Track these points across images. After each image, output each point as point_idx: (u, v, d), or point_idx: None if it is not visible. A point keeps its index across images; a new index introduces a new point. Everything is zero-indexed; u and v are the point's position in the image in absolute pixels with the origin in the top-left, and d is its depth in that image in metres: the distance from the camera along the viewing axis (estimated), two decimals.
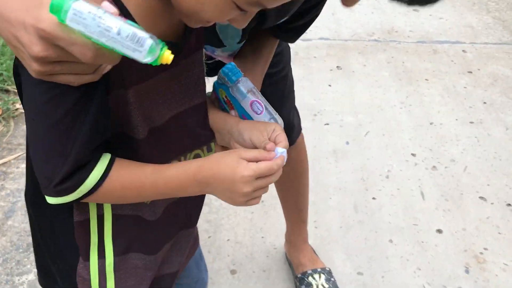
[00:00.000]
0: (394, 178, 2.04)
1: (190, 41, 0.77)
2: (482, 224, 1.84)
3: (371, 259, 1.71)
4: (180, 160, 0.82)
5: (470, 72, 2.74)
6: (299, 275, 1.58)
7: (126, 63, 0.60)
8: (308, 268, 1.59)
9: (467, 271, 1.67)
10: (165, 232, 0.87)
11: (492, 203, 1.92)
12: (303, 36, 1.16)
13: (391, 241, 1.78)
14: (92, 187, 0.69)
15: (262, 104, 0.87)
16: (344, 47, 2.93)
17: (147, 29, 0.56)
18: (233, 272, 1.66)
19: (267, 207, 1.89)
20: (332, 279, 1.58)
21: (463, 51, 2.94)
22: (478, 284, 1.63)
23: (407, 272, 1.67)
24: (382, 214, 1.88)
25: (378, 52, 2.90)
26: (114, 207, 0.79)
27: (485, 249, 1.75)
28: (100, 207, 0.78)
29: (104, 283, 0.83)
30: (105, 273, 0.83)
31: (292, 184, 1.52)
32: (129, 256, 0.84)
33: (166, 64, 0.59)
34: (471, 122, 2.36)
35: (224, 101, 0.92)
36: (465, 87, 2.61)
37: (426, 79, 2.67)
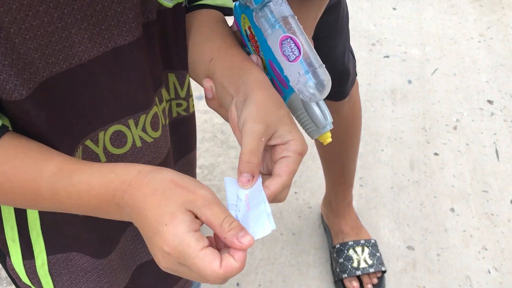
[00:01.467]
0: (463, 130, 1.67)
1: None
2: None
3: (426, 231, 1.40)
4: (91, 141, 0.53)
5: None
6: (337, 246, 1.31)
7: None
8: (350, 238, 1.30)
9: None
10: (116, 225, 0.60)
11: None
12: None
13: (452, 210, 1.45)
14: None
15: (300, 45, 0.53)
16: None
17: None
18: None
19: (304, 156, 1.58)
20: (377, 254, 1.29)
21: None
22: None
23: (470, 251, 1.36)
24: (444, 175, 1.54)
25: None
26: None
27: None
28: None
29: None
30: (38, 278, 0.59)
31: (341, 145, 1.20)
32: (72, 256, 0.58)
33: None
34: None
35: (247, 36, 0.59)
36: None
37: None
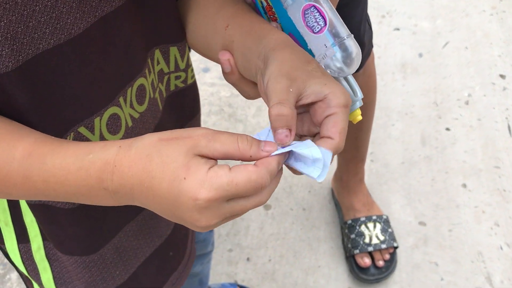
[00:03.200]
0: (475, 105, 1.64)
1: None
2: None
3: (437, 207, 1.39)
4: (86, 128, 0.48)
5: None
6: (349, 221, 1.29)
7: None
8: (362, 214, 1.28)
9: None
10: (113, 220, 0.56)
11: None
12: None
13: (464, 185, 1.44)
14: None
15: (325, 14, 0.48)
16: None
17: None
18: (266, 207, 1.38)
19: None
20: (389, 230, 1.27)
21: None
22: None
23: (482, 227, 1.35)
24: (456, 150, 1.52)
25: None
26: None
27: None
28: None
29: (36, 276, 0.55)
30: (35, 263, 0.55)
31: None
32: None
33: None
34: None
35: (264, 8, 0.55)
36: None
37: None
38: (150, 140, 0.38)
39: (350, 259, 1.26)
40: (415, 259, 1.29)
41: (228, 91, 1.67)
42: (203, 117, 1.58)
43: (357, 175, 1.30)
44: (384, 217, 1.30)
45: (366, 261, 1.23)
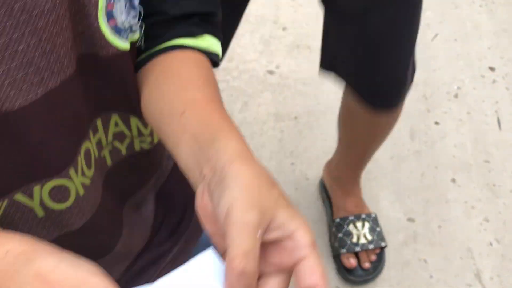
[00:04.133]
0: (464, 98, 1.62)
1: None
2: None
3: (427, 203, 1.37)
4: (24, 194, 0.44)
5: None
6: (337, 220, 1.27)
7: None
8: (350, 213, 1.26)
9: None
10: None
11: None
12: None
13: (454, 180, 1.42)
14: None
15: None
16: None
17: None
18: None
19: (301, 125, 1.53)
20: (378, 229, 1.25)
21: None
22: None
23: (471, 223, 1.33)
24: (445, 145, 1.49)
25: None
26: None
27: None
28: None
29: None
30: None
31: (374, 139, 1.17)
32: None
33: None
34: None
35: None
36: None
37: None
38: (28, 271, 0.31)
39: (337, 258, 1.23)
40: (404, 256, 1.27)
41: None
42: None
43: (356, 179, 1.27)
44: (373, 215, 1.27)
45: (352, 262, 1.21)
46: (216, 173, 0.35)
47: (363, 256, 1.22)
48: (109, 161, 0.52)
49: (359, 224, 1.24)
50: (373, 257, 1.22)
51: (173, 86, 0.46)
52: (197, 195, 0.37)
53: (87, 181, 0.48)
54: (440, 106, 1.60)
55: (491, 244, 1.29)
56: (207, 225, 0.36)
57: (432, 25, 1.85)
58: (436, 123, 1.55)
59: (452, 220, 1.34)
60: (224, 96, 1.60)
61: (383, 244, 1.24)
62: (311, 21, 1.78)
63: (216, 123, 0.41)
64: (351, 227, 1.24)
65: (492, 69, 1.71)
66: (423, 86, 1.65)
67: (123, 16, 0.44)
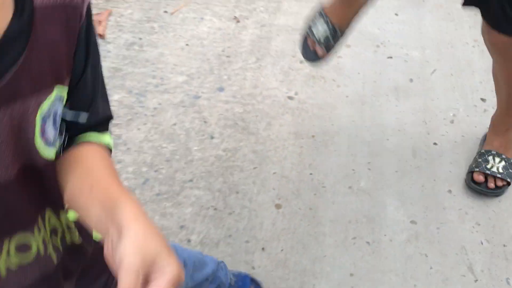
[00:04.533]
0: (459, 123, 1.86)
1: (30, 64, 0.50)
2: None
3: (426, 209, 1.59)
4: None
5: None
6: (483, 150, 1.65)
7: None
8: (495, 149, 1.64)
9: None
10: None
11: None
12: None
13: (450, 191, 1.64)
14: None
15: None
16: None
17: None
18: (277, 206, 1.57)
19: (318, 143, 1.76)
20: (510, 170, 1.61)
21: None
22: None
23: (465, 226, 1.55)
24: (442, 162, 1.73)
25: None
26: None
27: None
28: None
29: None
30: None
31: None
32: None
33: None
34: None
35: None
36: None
37: None
38: None
39: (469, 174, 1.62)
40: (407, 251, 1.48)
41: (241, 107, 1.88)
42: (219, 130, 1.79)
43: (510, 125, 1.64)
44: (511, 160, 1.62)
45: (480, 177, 1.57)
46: (117, 230, 0.48)
47: (490, 179, 1.58)
48: (54, 259, 0.62)
49: (497, 159, 1.60)
50: (500, 183, 1.58)
51: (81, 170, 0.59)
52: (105, 247, 0.49)
53: (13, 266, 0.56)
54: (438, 129, 1.84)
55: (482, 243, 1.51)
56: (113, 268, 0.46)
57: (431, 62, 2.12)
58: (435, 143, 1.79)
59: (448, 224, 1.55)
60: (251, 116, 1.85)
61: (509, 180, 1.58)
62: None
63: (116, 194, 0.54)
64: (490, 158, 1.61)
65: (483, 100, 1.97)
66: (423, 113, 1.90)
67: (52, 133, 0.55)
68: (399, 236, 1.52)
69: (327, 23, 1.52)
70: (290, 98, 1.93)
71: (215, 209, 1.55)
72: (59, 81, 0.54)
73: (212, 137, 1.77)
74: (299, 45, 1.62)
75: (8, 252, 0.55)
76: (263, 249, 1.47)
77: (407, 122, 1.86)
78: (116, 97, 1.89)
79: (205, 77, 2.00)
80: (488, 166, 1.60)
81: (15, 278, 0.57)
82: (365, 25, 2.25)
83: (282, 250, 1.47)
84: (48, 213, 0.60)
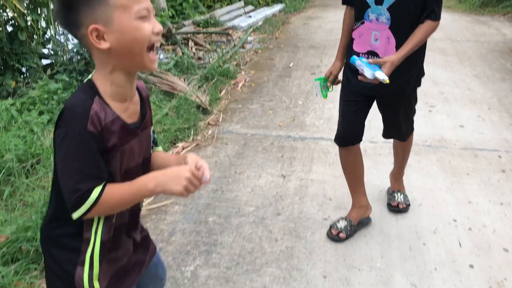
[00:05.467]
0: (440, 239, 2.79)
1: (146, 120, 1.34)
2: None
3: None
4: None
5: (504, 171, 3.52)
6: (389, 191, 2.98)
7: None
8: (396, 189, 3.07)
9: None
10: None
11: None
12: (370, 138, 2.14)
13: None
14: (94, 201, 1.18)
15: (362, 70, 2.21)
16: None
17: (119, 112, 1.27)
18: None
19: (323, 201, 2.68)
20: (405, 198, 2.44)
21: (498, 156, 3.74)
22: None
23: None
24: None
25: (430, 154, 3.76)
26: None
27: None
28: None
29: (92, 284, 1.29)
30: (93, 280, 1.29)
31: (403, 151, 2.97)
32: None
33: (134, 134, 1.29)
34: (501, 204, 3.10)
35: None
36: (498, 181, 3.38)
37: (467, 174, 3.47)
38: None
39: (389, 206, 2.98)
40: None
41: (293, 224, 2.85)
42: (280, 236, 2.73)
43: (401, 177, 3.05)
44: (405, 193, 3.03)
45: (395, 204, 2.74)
46: (184, 159, 1.34)
47: (400, 205, 2.92)
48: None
49: (399, 194, 2.93)
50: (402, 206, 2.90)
51: (161, 154, 1.47)
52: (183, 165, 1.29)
53: None
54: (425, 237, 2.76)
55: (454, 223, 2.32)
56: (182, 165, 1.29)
57: (417, 199, 3.12)
58: (424, 243, 2.69)
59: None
60: (299, 229, 2.81)
61: (408, 203, 2.83)
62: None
63: (175, 160, 1.40)
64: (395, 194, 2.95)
65: (455, 220, 2.91)
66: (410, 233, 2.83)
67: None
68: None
69: (344, 219, 2.78)
70: (325, 219, 2.91)
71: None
72: (151, 124, 1.42)
73: (276, 240, 2.71)
74: (327, 234, 2.76)
75: None
76: (324, 277, 2.30)
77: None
78: (210, 219, 2.89)
79: (267, 208, 3.02)
80: (396, 198, 2.95)
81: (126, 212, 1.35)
82: (371, 180, 3.33)
83: (323, 275, 2.30)
84: None
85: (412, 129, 2.80)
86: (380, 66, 2.22)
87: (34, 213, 2.50)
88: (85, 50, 3.94)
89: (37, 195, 2.83)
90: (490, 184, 3.34)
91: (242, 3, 9.82)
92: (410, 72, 2.46)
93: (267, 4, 10.84)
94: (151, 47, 1.22)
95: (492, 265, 2.53)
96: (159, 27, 1.21)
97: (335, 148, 3.74)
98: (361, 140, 2.61)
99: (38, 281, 2.26)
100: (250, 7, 9.97)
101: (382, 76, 2.16)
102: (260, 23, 8.94)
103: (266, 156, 3.74)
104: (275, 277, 2.42)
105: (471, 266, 2.52)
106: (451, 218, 2.94)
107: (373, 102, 2.60)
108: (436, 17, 2.31)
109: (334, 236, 2.69)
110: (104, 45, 1.18)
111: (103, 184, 1.19)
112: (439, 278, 2.43)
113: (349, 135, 2.59)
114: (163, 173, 1.23)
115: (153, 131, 1.44)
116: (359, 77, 2.26)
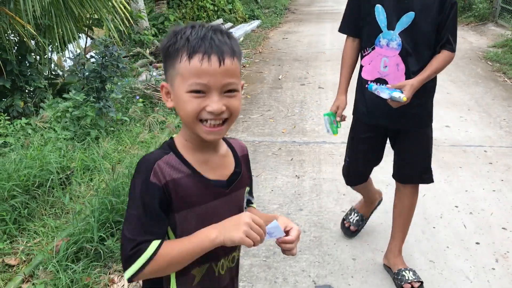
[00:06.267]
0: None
1: (240, 180, 1.27)
2: None
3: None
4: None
5: (491, 163, 3.94)
6: (396, 271, 2.64)
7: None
8: (403, 267, 2.62)
9: None
10: None
11: None
12: None
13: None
14: (150, 255, 1.11)
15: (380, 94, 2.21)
16: None
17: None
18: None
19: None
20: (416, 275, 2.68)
21: (484, 151, 4.17)
22: None
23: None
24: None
25: None
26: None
27: None
28: None
29: None
30: None
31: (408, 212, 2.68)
32: None
33: (219, 193, 1.22)
34: (493, 190, 3.50)
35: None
36: (488, 171, 3.79)
37: (460, 167, 3.87)
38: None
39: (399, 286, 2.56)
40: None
41: (316, 217, 3.16)
42: (306, 228, 3.03)
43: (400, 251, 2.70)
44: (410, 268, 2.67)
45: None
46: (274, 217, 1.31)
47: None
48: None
49: (407, 271, 2.56)
50: (417, 285, 2.54)
51: (254, 211, 1.40)
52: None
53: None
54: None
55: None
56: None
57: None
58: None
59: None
60: (321, 220, 3.12)
61: (421, 280, 2.55)
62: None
63: (264, 218, 1.25)
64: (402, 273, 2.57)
65: (457, 206, 3.28)
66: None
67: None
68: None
69: (357, 213, 2.97)
70: (343, 212, 3.23)
71: None
72: (248, 185, 1.36)
73: (304, 231, 3.02)
74: (340, 226, 3.01)
75: (229, 260, 1.31)
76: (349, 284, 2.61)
77: None
78: None
79: (289, 205, 3.32)
80: (406, 278, 2.51)
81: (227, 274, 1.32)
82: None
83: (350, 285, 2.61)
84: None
85: (430, 171, 2.52)
86: (401, 91, 2.17)
87: (90, 217, 2.73)
88: (102, 68, 4.19)
89: (77, 203, 3.05)
90: (481, 175, 3.74)
91: (221, 20, 10.17)
92: (427, 104, 2.43)
93: (245, 21, 11.22)
94: (206, 120, 1.17)
95: (494, 241, 2.90)
96: (213, 107, 1.14)
97: (339, 150, 4.12)
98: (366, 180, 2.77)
99: (101, 277, 2.49)
100: (229, 24, 10.32)
101: (399, 94, 2.13)
102: (241, 39, 9.30)
103: (277, 160, 4.05)
104: (311, 262, 2.72)
105: (477, 243, 2.89)
106: (453, 205, 3.31)
107: (386, 140, 2.56)
108: (452, 49, 2.27)
109: (346, 229, 2.97)
110: (169, 103, 1.21)
111: (161, 240, 1.15)
112: (452, 254, 2.79)
113: (357, 180, 2.74)
114: (224, 222, 1.17)
115: (250, 192, 1.37)
116: (388, 101, 2.20)
